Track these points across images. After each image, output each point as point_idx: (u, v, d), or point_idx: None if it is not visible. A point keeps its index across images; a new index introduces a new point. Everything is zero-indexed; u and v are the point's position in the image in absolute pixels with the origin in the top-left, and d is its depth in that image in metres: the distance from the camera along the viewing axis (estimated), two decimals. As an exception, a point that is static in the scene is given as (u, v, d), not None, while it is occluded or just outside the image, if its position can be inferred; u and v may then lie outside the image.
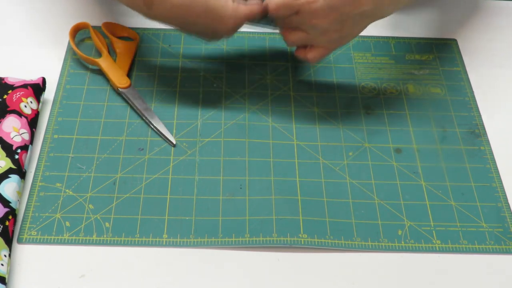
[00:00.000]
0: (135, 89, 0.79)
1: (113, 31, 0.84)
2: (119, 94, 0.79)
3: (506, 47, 0.90)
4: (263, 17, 0.73)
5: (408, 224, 0.69)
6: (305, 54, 0.75)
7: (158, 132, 0.75)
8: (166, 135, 0.75)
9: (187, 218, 0.68)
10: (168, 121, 0.77)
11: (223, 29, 0.71)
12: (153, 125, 0.75)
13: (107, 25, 0.84)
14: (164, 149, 0.74)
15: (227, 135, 0.76)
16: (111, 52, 0.83)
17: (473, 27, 0.92)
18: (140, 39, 0.85)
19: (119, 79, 0.79)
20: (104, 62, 0.80)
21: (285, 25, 0.73)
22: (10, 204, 0.66)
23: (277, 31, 0.76)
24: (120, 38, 0.84)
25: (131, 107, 0.78)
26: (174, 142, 0.74)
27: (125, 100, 0.78)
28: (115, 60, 0.82)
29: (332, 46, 0.74)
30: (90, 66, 0.82)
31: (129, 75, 0.81)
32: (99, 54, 0.83)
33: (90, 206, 0.69)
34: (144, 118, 0.76)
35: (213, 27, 0.71)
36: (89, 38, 0.85)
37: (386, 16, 0.74)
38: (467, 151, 0.76)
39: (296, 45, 0.75)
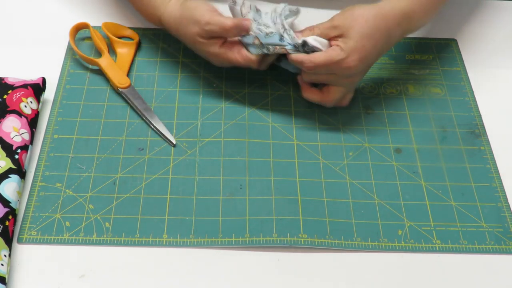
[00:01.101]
0: (135, 89, 0.79)
1: (113, 31, 0.84)
2: (119, 94, 0.79)
3: (506, 47, 0.90)
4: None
5: (408, 224, 0.69)
6: (342, 103, 0.77)
7: (158, 132, 0.75)
8: (166, 135, 0.75)
9: (187, 218, 0.68)
10: (168, 121, 0.77)
11: (217, 65, 0.77)
12: (153, 125, 0.75)
13: (107, 25, 0.84)
14: (164, 149, 0.74)
15: (227, 135, 0.76)
16: (111, 52, 0.83)
17: (473, 27, 0.92)
18: (140, 39, 0.85)
19: (119, 79, 0.79)
20: (104, 62, 0.80)
21: (309, 78, 0.75)
22: (10, 204, 0.66)
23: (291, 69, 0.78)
24: (120, 38, 0.84)
25: (131, 107, 0.78)
26: (174, 142, 0.74)
27: (125, 100, 0.78)
28: (115, 60, 0.82)
29: (353, 86, 0.77)
30: (90, 66, 0.82)
31: (129, 75, 0.81)
32: (99, 54, 0.83)
33: (90, 206, 0.69)
34: (144, 118, 0.76)
35: (209, 60, 0.78)
36: (89, 38, 0.85)
37: None
38: (467, 151, 0.76)
39: (335, 102, 0.77)
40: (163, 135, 0.75)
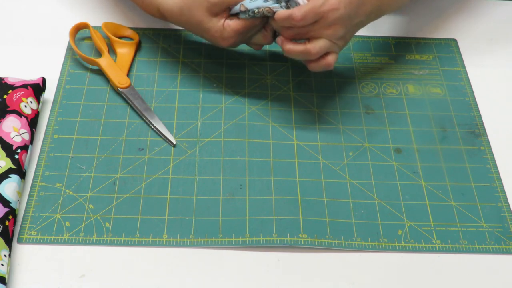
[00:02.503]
0: (135, 89, 0.79)
1: (113, 31, 0.84)
2: (119, 94, 0.79)
3: (506, 47, 0.90)
4: (257, 28, 0.75)
5: (408, 224, 0.69)
6: (326, 61, 0.74)
7: (158, 132, 0.75)
8: (166, 135, 0.75)
9: (187, 218, 0.68)
10: (168, 121, 0.77)
11: (223, 44, 0.76)
12: (153, 125, 0.75)
13: (107, 25, 0.84)
14: (164, 149, 0.74)
15: (227, 135, 0.76)
16: (111, 52, 0.83)
17: (473, 27, 0.92)
18: (140, 39, 0.85)
19: (119, 79, 0.79)
20: (104, 62, 0.80)
21: (297, 36, 0.73)
22: (10, 204, 0.66)
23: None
24: (120, 38, 0.84)
25: (131, 107, 0.78)
26: (174, 142, 0.74)
27: (125, 100, 0.78)
28: (115, 60, 0.82)
29: (340, 49, 0.75)
30: (90, 66, 0.82)
31: (129, 75, 0.81)
32: (99, 54, 0.83)
33: (90, 206, 0.69)
34: (144, 118, 0.76)
35: (215, 42, 0.76)
36: (89, 38, 0.85)
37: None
38: (467, 151, 0.76)
39: (320, 54, 0.73)
40: (163, 135, 0.75)
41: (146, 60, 0.84)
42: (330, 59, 0.74)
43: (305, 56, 0.73)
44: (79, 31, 0.84)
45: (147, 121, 0.76)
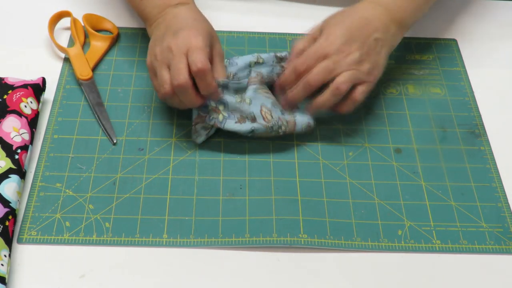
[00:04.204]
0: (94, 83, 0.79)
1: (93, 23, 0.85)
2: (79, 85, 0.79)
3: (506, 47, 0.90)
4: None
5: (408, 224, 0.69)
6: (353, 95, 0.72)
7: (102, 128, 0.75)
8: (109, 132, 0.74)
9: (187, 218, 0.68)
10: (168, 121, 0.77)
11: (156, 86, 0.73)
12: (100, 120, 0.75)
13: (88, 16, 0.85)
14: (164, 149, 0.74)
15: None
16: (89, 44, 0.83)
17: (473, 27, 0.92)
18: (140, 39, 0.85)
19: (82, 70, 0.79)
20: (72, 52, 0.81)
21: (313, 80, 0.72)
22: (10, 204, 0.65)
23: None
24: (99, 31, 0.85)
25: (85, 100, 0.78)
26: (115, 141, 0.74)
27: (83, 92, 0.78)
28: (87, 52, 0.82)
29: (369, 76, 0.73)
30: (64, 55, 0.82)
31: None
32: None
33: (90, 206, 0.69)
34: (94, 112, 0.76)
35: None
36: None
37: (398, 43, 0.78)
38: (467, 151, 0.76)
39: (348, 86, 0.71)
40: (106, 131, 0.74)
41: (144, 60, 0.83)
42: (357, 92, 0.72)
43: (336, 96, 0.71)
44: (62, 20, 0.85)
45: (95, 115, 0.76)
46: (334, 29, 0.72)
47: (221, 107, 0.71)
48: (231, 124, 0.71)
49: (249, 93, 0.73)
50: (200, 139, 0.73)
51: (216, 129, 0.74)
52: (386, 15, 0.74)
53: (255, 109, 0.72)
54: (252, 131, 0.72)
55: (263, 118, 0.72)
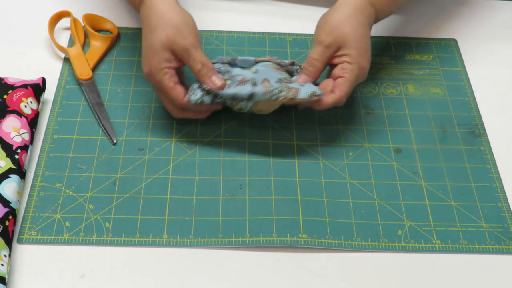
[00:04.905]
0: (95, 83, 0.79)
1: (93, 23, 0.85)
2: (79, 85, 0.79)
3: (506, 47, 0.90)
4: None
5: (408, 224, 0.69)
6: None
7: (102, 128, 0.75)
8: (108, 132, 0.74)
9: (187, 218, 0.68)
10: (168, 121, 0.77)
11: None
12: (100, 120, 0.75)
13: (88, 16, 0.85)
14: (164, 149, 0.74)
15: (227, 135, 0.76)
16: (89, 44, 0.83)
17: (473, 27, 0.92)
18: (140, 40, 0.85)
19: (82, 70, 0.79)
20: (72, 52, 0.81)
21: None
22: (10, 204, 0.66)
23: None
24: (99, 31, 0.85)
25: (85, 100, 0.78)
26: (115, 141, 0.74)
27: (83, 93, 0.78)
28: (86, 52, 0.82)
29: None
30: (64, 55, 0.82)
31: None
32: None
33: (90, 206, 0.69)
34: (94, 112, 0.76)
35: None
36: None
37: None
38: (467, 151, 0.76)
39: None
40: (106, 131, 0.75)
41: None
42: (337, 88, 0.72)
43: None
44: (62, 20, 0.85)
45: (95, 115, 0.76)
46: (363, 61, 0.73)
47: (225, 76, 0.72)
48: (231, 88, 0.70)
49: (257, 66, 0.74)
50: (195, 98, 0.70)
51: (212, 97, 0.70)
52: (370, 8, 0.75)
53: (258, 77, 0.71)
54: (251, 94, 0.69)
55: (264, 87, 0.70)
